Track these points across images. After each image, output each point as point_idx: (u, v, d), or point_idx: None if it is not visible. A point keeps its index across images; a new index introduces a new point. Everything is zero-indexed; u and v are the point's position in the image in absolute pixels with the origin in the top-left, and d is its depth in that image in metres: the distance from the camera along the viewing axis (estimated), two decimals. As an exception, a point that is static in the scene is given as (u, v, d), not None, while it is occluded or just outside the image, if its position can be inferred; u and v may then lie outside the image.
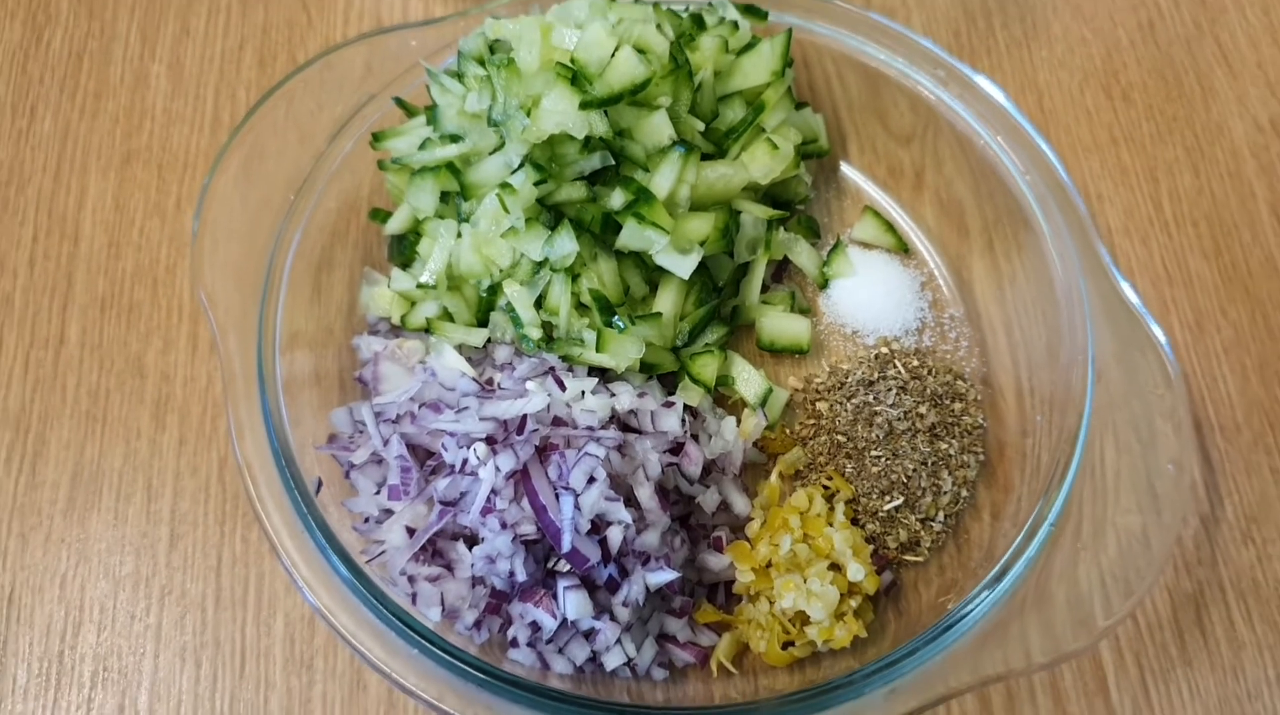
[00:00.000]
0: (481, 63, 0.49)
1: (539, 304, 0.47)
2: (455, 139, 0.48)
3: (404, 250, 0.51)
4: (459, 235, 0.48)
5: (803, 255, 0.53)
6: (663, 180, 0.47)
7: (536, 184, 0.46)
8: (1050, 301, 0.50)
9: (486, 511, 0.42)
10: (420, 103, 0.52)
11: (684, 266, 0.47)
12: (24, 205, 0.56)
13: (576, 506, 0.41)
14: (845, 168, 0.57)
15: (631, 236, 0.46)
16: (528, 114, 0.45)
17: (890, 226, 0.55)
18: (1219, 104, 0.59)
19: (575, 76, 0.45)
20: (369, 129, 0.51)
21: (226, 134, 0.57)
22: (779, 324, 0.52)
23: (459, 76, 0.49)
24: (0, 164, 0.57)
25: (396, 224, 0.51)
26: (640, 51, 0.46)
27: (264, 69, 0.59)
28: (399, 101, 0.52)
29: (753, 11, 0.53)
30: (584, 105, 0.45)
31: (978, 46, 0.61)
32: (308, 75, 0.51)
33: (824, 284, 0.54)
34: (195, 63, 0.59)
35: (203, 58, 0.59)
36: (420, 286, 0.49)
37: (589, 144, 0.46)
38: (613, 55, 0.46)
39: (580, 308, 0.47)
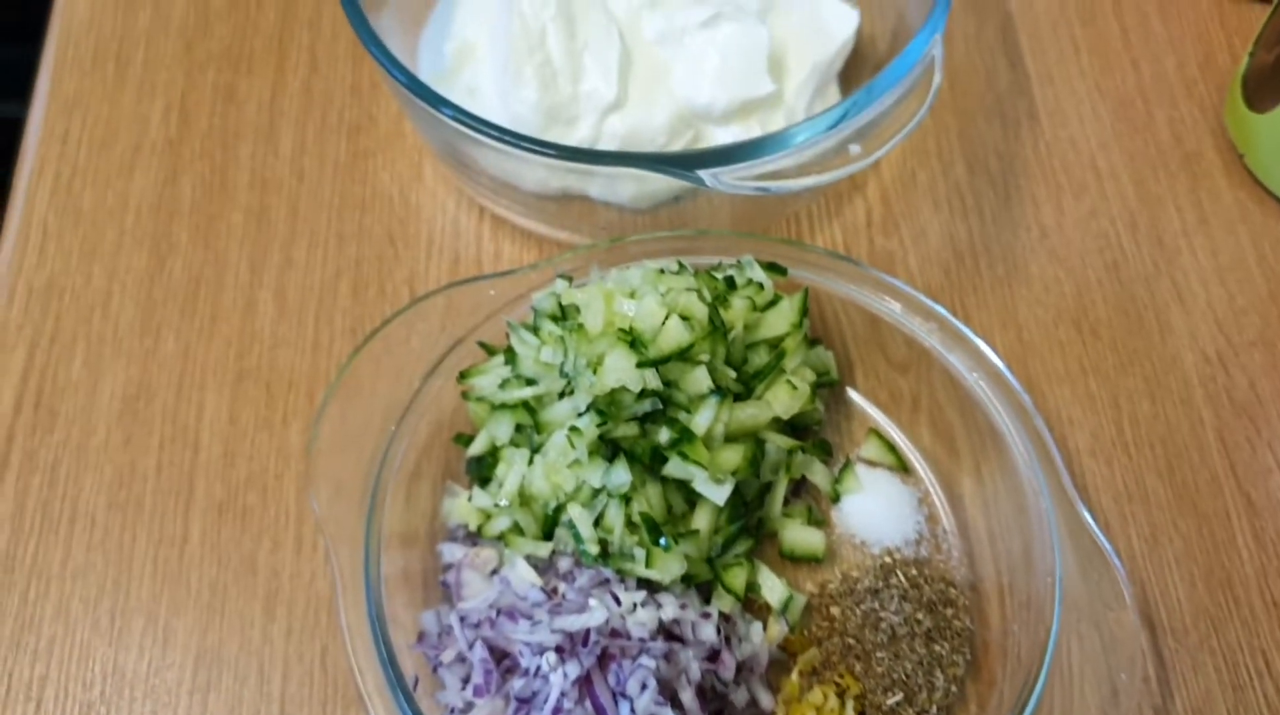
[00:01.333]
0: (554, 319, 0.59)
1: (597, 523, 0.56)
2: (530, 382, 0.58)
3: (482, 469, 0.60)
4: (531, 462, 0.58)
5: (818, 474, 0.63)
6: (702, 421, 0.56)
7: (598, 426, 0.55)
8: (1025, 519, 0.59)
9: (556, 711, 0.51)
10: (498, 341, 0.62)
11: (719, 495, 0.56)
12: (151, 417, 0.65)
13: (632, 710, 0.50)
14: (852, 393, 0.66)
15: (675, 468, 0.56)
16: (594, 371, 0.55)
17: (892, 447, 0.64)
18: (1174, 338, 0.69)
19: (633, 341, 0.55)
20: (456, 366, 0.61)
21: (325, 357, 0.67)
22: (798, 535, 0.61)
23: (534, 330, 0.59)
24: (131, 380, 0.66)
25: (477, 448, 0.60)
26: (685, 318, 0.56)
27: (357, 298, 0.69)
28: (482, 344, 0.62)
29: (774, 268, 0.63)
30: (640, 364, 0.55)
31: (965, 284, 0.71)
32: (402, 319, 0.61)
33: (836, 498, 0.63)
34: (297, 291, 0.69)
35: (304, 287, 0.69)
36: (497, 506, 0.58)
37: (642, 393, 0.56)
38: (663, 323, 0.56)
39: (631, 525, 0.56)
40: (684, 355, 0.56)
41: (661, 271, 0.59)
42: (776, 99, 0.70)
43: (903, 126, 0.60)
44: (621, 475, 0.55)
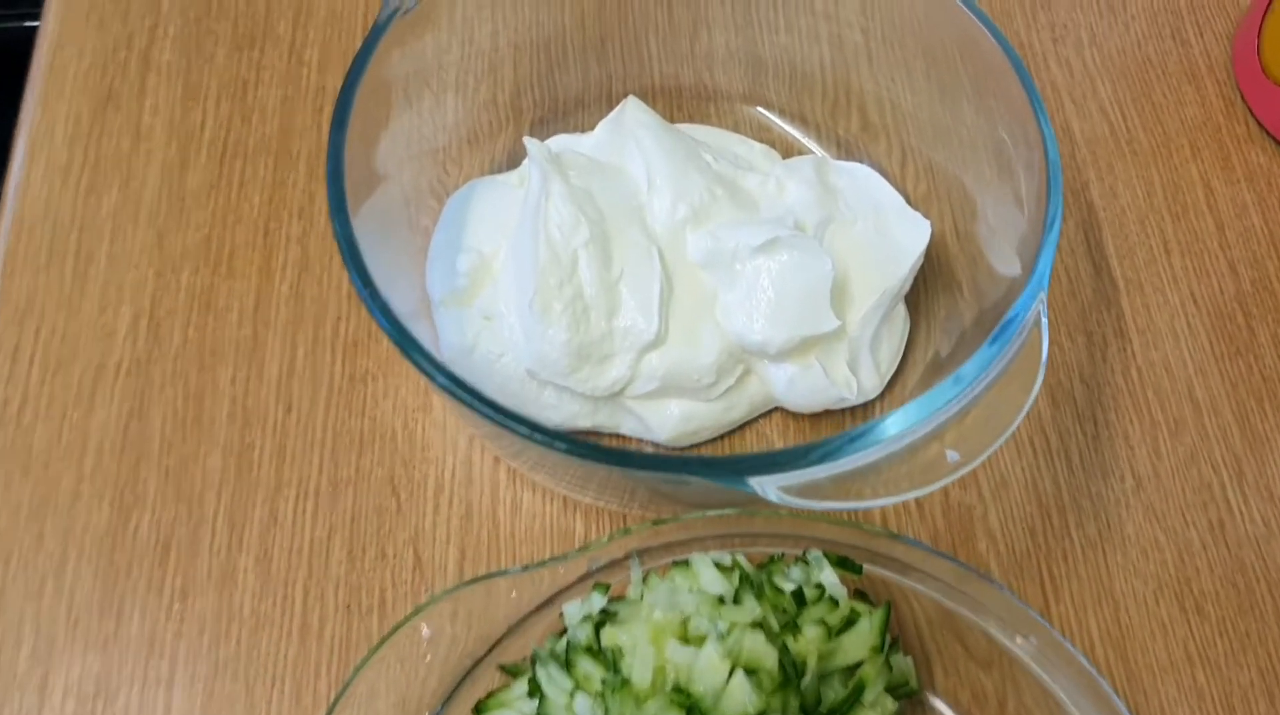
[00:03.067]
0: (590, 652, 0.49)
1: None
2: (562, 734, 0.49)
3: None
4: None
5: (896, 814, 0.54)
6: (769, 790, 0.47)
7: (648, 805, 0.46)
8: None
9: None
10: (522, 645, 0.53)
11: None
12: (112, 720, 0.56)
13: None
14: (931, 697, 0.57)
15: None
16: (643, 746, 0.46)
17: (978, 771, 0.55)
18: (1291, 618, 0.61)
19: (690, 707, 0.46)
20: (472, 694, 0.52)
21: (315, 643, 0.58)
22: None
23: (567, 664, 0.50)
24: (88, 674, 0.57)
25: (496, 796, 0.51)
26: (751, 671, 0.47)
27: (353, 564, 0.60)
28: (504, 668, 0.52)
29: (847, 565, 0.54)
30: (698, 736, 0.46)
31: (1054, 547, 0.62)
32: (401, 637, 0.51)
33: (915, 841, 0.54)
34: (283, 556, 0.60)
35: (291, 550, 0.60)
36: None
37: (700, 764, 0.46)
38: (726, 682, 0.46)
39: None
40: (751, 717, 0.47)
41: (720, 600, 0.50)
42: (840, 331, 0.61)
43: (1003, 425, 0.50)
44: None
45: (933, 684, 0.58)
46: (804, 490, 0.49)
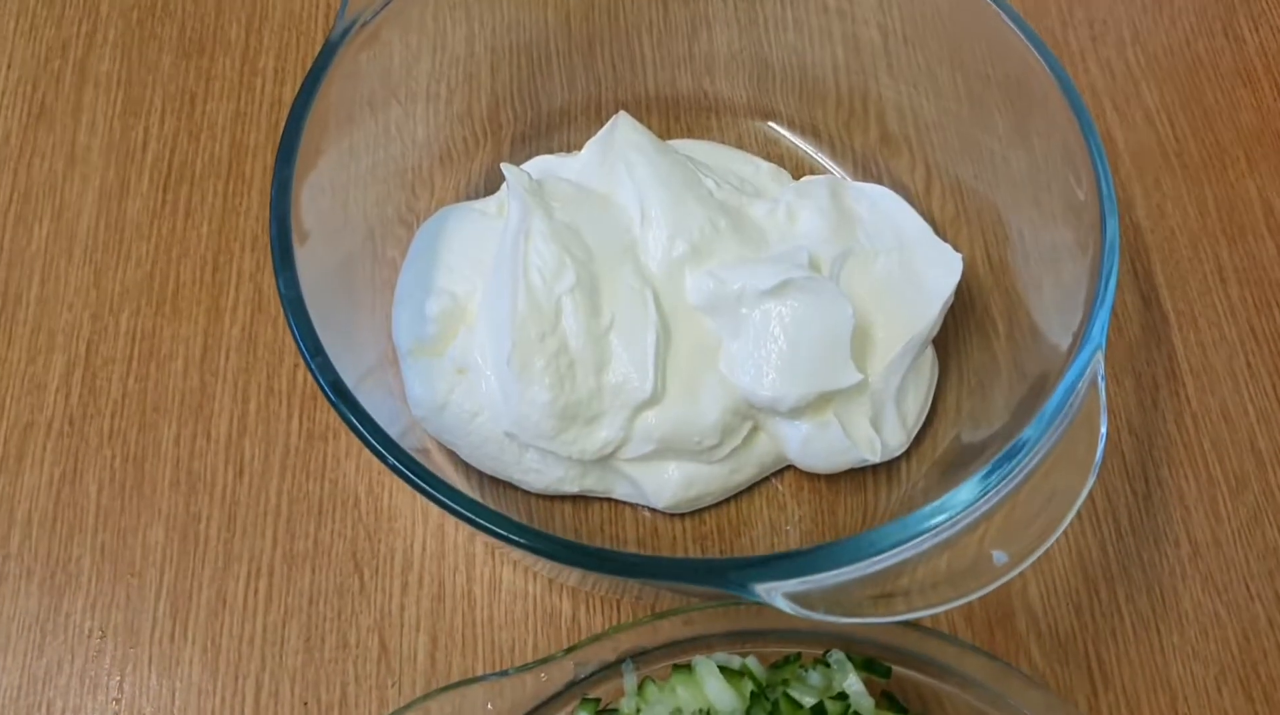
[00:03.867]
0: (577, 784, 0.42)
1: None
2: None
3: None
4: None
5: None
6: None
7: None
8: None
9: None
10: (496, 773, 0.46)
11: None
12: (37, 841, 0.49)
13: None
14: (966, 808, 0.51)
15: None
16: None
17: None
18: (1371, 705, 0.54)
19: None
20: (441, 825, 0.45)
21: (269, 754, 0.51)
22: None
23: (550, 798, 0.43)
24: (11, 787, 0.50)
25: None
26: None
27: (310, 654, 0.53)
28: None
29: (872, 668, 0.47)
30: None
31: (1101, 626, 0.55)
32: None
33: None
34: (233, 644, 0.53)
35: (241, 638, 0.53)
36: None
37: None
38: (736, 830, 0.40)
39: None
40: None
41: (729, 722, 0.43)
42: (861, 385, 0.54)
43: (1057, 515, 0.43)
44: None
45: (967, 789, 0.51)
46: (818, 600, 0.42)
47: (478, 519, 0.42)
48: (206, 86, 0.65)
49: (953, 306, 0.57)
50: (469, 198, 0.61)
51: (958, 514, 0.43)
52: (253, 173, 0.63)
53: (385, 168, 0.59)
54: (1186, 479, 0.58)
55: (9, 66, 0.65)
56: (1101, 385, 0.45)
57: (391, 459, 0.43)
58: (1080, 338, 0.47)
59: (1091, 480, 0.44)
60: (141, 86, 0.65)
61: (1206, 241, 0.64)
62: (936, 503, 0.43)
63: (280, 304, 0.46)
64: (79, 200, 0.62)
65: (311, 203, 0.49)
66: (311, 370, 0.44)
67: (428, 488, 0.43)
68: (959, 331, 0.59)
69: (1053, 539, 0.43)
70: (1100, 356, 0.46)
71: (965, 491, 0.43)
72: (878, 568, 0.42)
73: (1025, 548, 0.43)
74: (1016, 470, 0.44)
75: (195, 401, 0.58)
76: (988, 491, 0.43)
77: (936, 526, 0.43)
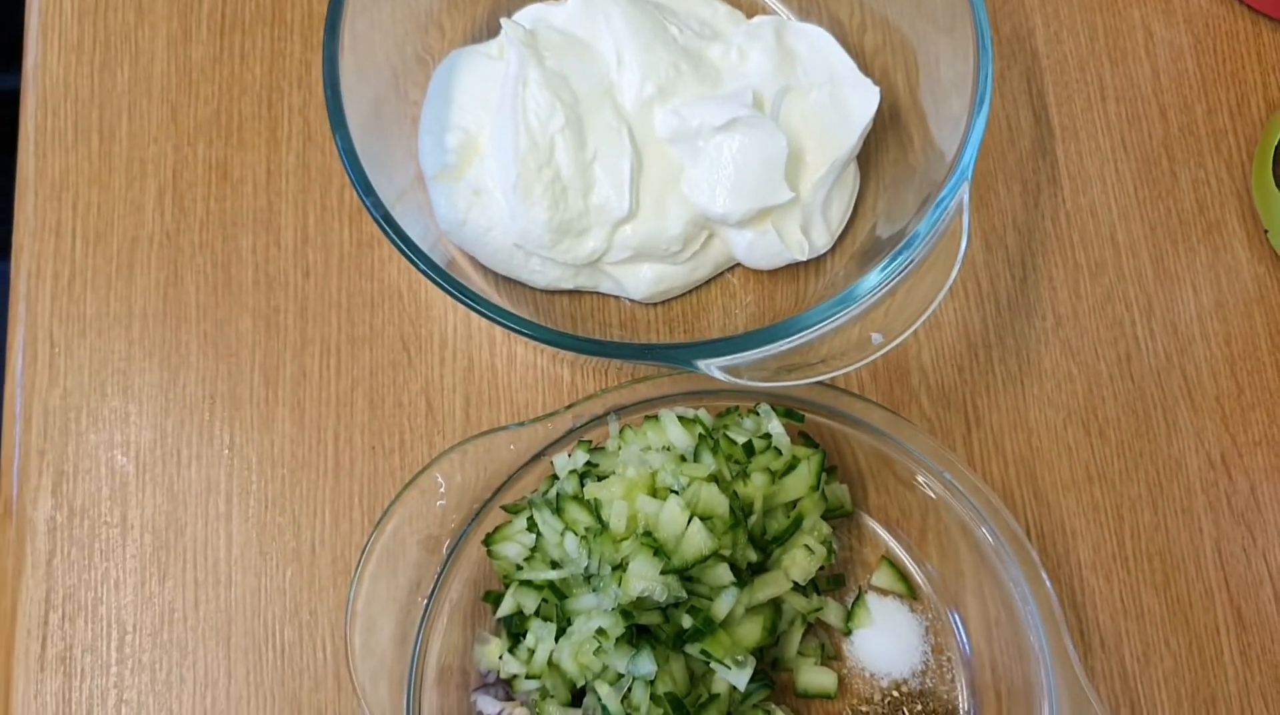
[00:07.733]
0: (576, 500, 0.60)
1: (623, 698, 0.60)
2: (555, 565, 0.60)
3: (511, 625, 0.63)
4: (558, 639, 0.60)
5: (831, 614, 0.66)
6: (722, 607, 0.59)
7: (624, 623, 0.58)
8: (1023, 648, 0.63)
9: None
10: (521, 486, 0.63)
11: (741, 679, 0.59)
12: (183, 549, 0.67)
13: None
14: (864, 517, 0.68)
15: (697, 652, 0.59)
16: (619, 582, 0.57)
17: (903, 576, 0.67)
18: (1180, 438, 0.70)
19: (657, 549, 0.57)
20: (481, 529, 0.63)
21: (347, 479, 0.68)
22: (812, 677, 0.65)
23: (558, 510, 0.60)
24: (160, 511, 0.68)
25: (505, 609, 0.63)
26: (706, 518, 0.57)
27: (374, 411, 0.69)
28: (506, 509, 0.63)
29: (791, 416, 0.63)
30: (664, 572, 0.57)
31: (978, 382, 0.71)
32: (420, 483, 0.62)
33: (848, 633, 0.66)
34: (314, 406, 0.69)
35: (320, 401, 0.70)
36: (528, 676, 0.61)
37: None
38: (685, 528, 0.57)
39: (655, 698, 0.60)
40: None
41: (682, 458, 0.60)
42: (793, 200, 0.68)
43: (921, 307, 0.59)
44: (646, 664, 0.58)
45: (866, 504, 0.68)
46: (744, 370, 0.58)
47: (495, 317, 0.57)
48: (247, -59, 0.77)
49: (877, 124, 0.71)
50: (474, 40, 0.74)
51: (840, 313, 0.58)
52: (293, 19, 0.75)
53: (403, 9, 0.71)
54: (1056, 265, 0.73)
55: (77, -74, 0.76)
56: (966, 209, 0.60)
57: (431, 274, 0.58)
58: (955, 163, 0.61)
59: (948, 284, 0.59)
60: (192, -57, 0.76)
61: (1093, 64, 0.77)
62: (823, 305, 0.58)
63: (327, 131, 0.59)
64: (151, 47, 0.75)
65: (349, 52, 0.62)
66: (367, 206, 0.59)
67: (457, 293, 0.58)
68: (884, 141, 0.72)
69: (916, 326, 0.58)
70: (967, 185, 0.60)
71: (846, 297, 0.58)
72: (784, 348, 0.58)
73: (895, 332, 0.58)
74: (908, 263, 0.59)
75: (265, 217, 0.72)
76: (885, 281, 0.58)
77: (824, 323, 0.58)
